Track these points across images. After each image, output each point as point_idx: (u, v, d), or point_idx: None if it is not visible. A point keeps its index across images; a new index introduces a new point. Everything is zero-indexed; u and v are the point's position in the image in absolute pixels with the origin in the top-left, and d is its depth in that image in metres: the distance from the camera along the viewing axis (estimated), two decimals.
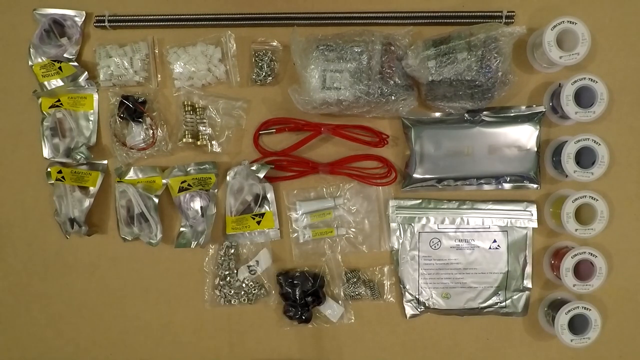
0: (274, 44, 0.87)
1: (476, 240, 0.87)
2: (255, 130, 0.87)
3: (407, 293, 0.87)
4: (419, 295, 0.87)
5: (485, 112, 0.84)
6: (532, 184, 0.86)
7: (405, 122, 0.85)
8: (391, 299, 0.87)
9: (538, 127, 0.84)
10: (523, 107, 0.85)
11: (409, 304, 0.87)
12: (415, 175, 0.85)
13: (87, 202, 0.86)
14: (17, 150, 0.89)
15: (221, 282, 0.87)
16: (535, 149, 0.84)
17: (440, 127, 0.85)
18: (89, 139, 0.87)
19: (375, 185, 0.86)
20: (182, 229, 0.87)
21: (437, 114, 0.86)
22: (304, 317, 0.85)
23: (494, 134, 0.84)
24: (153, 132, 0.86)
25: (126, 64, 0.86)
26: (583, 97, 0.81)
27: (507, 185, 0.86)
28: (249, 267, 0.86)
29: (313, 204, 0.87)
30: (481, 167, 0.84)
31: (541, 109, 0.84)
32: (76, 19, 0.88)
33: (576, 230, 0.80)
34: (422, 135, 0.84)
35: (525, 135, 0.84)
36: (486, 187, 0.86)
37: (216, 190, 0.87)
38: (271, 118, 0.87)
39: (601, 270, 0.81)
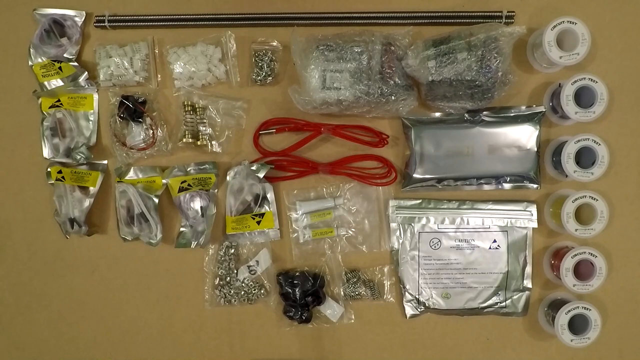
0: (274, 44, 0.87)
1: (476, 240, 0.87)
2: (255, 130, 0.87)
3: (407, 293, 0.87)
4: (419, 295, 0.87)
5: (485, 112, 0.84)
6: (532, 184, 0.86)
7: (405, 122, 0.85)
8: (391, 299, 0.87)
9: (538, 127, 0.84)
10: (523, 107, 0.85)
11: (409, 304, 0.87)
12: (415, 175, 0.85)
13: (87, 202, 0.86)
14: (17, 150, 0.89)
15: (221, 282, 0.86)
16: (535, 149, 0.84)
17: (440, 127, 0.85)
18: (89, 139, 0.87)
19: (375, 185, 0.86)
20: (182, 229, 0.87)
21: (437, 114, 0.86)
22: (304, 317, 0.85)
23: (494, 134, 0.84)
24: (153, 132, 0.86)
25: (126, 64, 0.86)
26: (583, 97, 0.81)
27: (507, 185, 0.86)
28: (249, 267, 0.86)
29: (313, 204, 0.87)
30: (481, 167, 0.84)
31: (541, 109, 0.84)
32: (76, 19, 0.88)
33: (576, 230, 0.80)
34: (422, 135, 0.84)
35: (525, 135, 0.84)
36: (486, 187, 0.86)
37: (216, 190, 0.87)
38: (271, 118, 0.87)
39: (601, 270, 0.81)
